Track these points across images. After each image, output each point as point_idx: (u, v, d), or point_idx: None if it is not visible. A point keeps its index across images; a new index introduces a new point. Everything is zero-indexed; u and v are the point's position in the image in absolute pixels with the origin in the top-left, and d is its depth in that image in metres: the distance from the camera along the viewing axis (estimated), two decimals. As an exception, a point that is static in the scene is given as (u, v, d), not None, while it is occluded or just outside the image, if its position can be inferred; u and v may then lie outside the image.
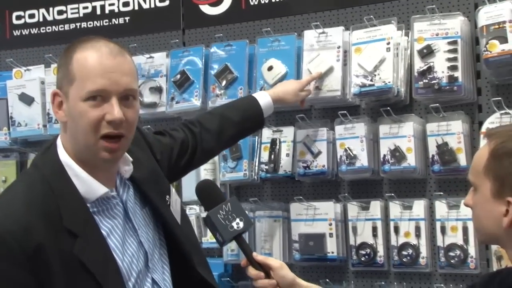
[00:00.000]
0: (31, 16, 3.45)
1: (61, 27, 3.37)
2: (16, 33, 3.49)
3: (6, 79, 3.30)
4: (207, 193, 1.81)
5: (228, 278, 2.81)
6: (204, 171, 2.86)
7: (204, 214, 2.45)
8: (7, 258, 1.52)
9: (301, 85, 2.52)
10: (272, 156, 2.74)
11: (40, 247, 1.53)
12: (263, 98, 2.41)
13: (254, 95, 2.47)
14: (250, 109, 2.37)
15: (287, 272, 1.79)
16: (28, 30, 3.46)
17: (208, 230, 2.35)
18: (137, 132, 1.84)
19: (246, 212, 1.82)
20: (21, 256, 1.52)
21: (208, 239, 2.78)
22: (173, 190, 1.91)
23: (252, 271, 1.77)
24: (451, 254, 2.47)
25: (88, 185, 1.65)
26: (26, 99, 3.23)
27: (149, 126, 2.92)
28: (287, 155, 2.73)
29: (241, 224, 1.73)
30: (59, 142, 1.70)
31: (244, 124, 2.35)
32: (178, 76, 2.89)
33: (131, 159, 1.77)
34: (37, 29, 3.44)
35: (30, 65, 3.32)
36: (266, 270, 1.77)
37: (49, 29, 3.41)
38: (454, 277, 2.52)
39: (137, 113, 1.71)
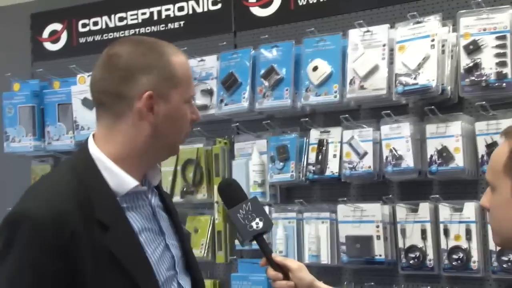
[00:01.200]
0: (95, 23, 3.60)
1: (122, 33, 3.49)
2: (82, 40, 3.64)
3: (71, 85, 3.45)
4: (229, 192, 1.80)
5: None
6: (253, 173, 2.88)
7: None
8: (41, 244, 1.53)
9: None
10: (319, 157, 2.72)
11: (73, 235, 1.54)
12: None
13: None
14: None
15: (306, 274, 1.75)
16: (92, 37, 3.61)
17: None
18: None
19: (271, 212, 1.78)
20: (54, 243, 1.53)
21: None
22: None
23: (270, 272, 1.74)
24: (504, 258, 2.36)
25: (119, 178, 1.66)
26: (89, 104, 3.36)
27: (199, 128, 2.98)
28: (334, 156, 2.70)
29: (261, 224, 1.71)
30: (90, 139, 1.72)
31: None
32: (227, 78, 2.92)
33: (159, 166, 1.81)
34: (100, 35, 3.58)
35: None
36: (285, 271, 1.74)
37: (111, 35, 3.54)
38: (509, 282, 2.40)
39: None
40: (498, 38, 2.31)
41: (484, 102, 2.32)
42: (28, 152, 3.53)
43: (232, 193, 1.79)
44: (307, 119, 2.74)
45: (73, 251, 1.55)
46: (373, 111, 2.70)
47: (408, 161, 2.48)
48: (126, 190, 1.67)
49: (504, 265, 2.35)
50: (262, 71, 2.83)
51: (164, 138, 1.69)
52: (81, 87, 3.41)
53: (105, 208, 1.62)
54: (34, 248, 1.54)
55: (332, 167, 2.69)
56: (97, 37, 3.59)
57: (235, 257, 2.95)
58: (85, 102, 3.37)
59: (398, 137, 2.51)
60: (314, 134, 2.77)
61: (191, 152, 3.07)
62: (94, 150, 1.69)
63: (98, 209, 1.61)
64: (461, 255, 2.45)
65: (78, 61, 3.55)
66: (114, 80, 1.66)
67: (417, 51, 2.42)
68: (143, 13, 3.42)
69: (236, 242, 2.92)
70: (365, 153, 2.60)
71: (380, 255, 2.58)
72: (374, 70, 2.55)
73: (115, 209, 1.64)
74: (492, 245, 2.39)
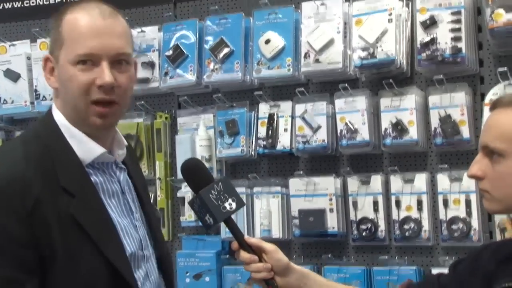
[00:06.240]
0: (14, -11, 3.33)
1: (46, 1, 3.26)
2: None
3: (-11, 55, 3.18)
4: (195, 173, 1.69)
5: (227, 256, 2.77)
6: (200, 148, 2.80)
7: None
8: (7, 210, 1.48)
9: None
10: (270, 132, 2.69)
11: (39, 201, 1.49)
12: None
13: None
14: None
15: (282, 256, 1.68)
16: (11, 3, 3.33)
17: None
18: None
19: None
20: (20, 209, 1.48)
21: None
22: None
23: (244, 255, 1.65)
24: (454, 227, 2.46)
25: (84, 145, 1.58)
26: (12, 75, 3.13)
27: (142, 102, 2.85)
28: (285, 130, 2.68)
29: (234, 205, 1.62)
30: (54, 106, 1.64)
31: None
32: (172, 51, 2.80)
33: (126, 143, 1.70)
34: (21, 2, 3.31)
35: (15, 40, 3.20)
36: (258, 253, 1.66)
37: (33, 2, 3.29)
38: (457, 250, 2.50)
39: (131, 80, 1.60)
40: (453, 13, 2.38)
41: (441, 76, 2.38)
42: None
43: (199, 174, 1.68)
44: (260, 92, 2.69)
45: (39, 217, 1.49)
46: (323, 85, 2.71)
47: (364, 135, 2.51)
48: (93, 158, 1.59)
49: (454, 234, 2.45)
50: (211, 44, 2.75)
51: (69, 106, 1.60)
52: (2, 57, 3.16)
53: (71, 175, 1.56)
54: (1, 213, 1.48)
55: (284, 142, 2.67)
56: (18, 4, 3.32)
57: (184, 234, 2.87)
58: (7, 73, 3.13)
59: (353, 110, 2.53)
60: (263, 108, 2.73)
61: (130, 127, 2.94)
62: (58, 116, 1.61)
63: (63, 176, 1.54)
64: (412, 225, 2.52)
65: (-2, 29, 3.29)
66: None
67: (375, 25, 2.44)
68: (72, -20, 3.21)
69: (181, 219, 2.85)
70: (319, 127, 2.60)
71: (333, 228, 2.60)
72: (329, 43, 2.54)
73: (81, 177, 1.57)
74: (442, 215, 2.48)
